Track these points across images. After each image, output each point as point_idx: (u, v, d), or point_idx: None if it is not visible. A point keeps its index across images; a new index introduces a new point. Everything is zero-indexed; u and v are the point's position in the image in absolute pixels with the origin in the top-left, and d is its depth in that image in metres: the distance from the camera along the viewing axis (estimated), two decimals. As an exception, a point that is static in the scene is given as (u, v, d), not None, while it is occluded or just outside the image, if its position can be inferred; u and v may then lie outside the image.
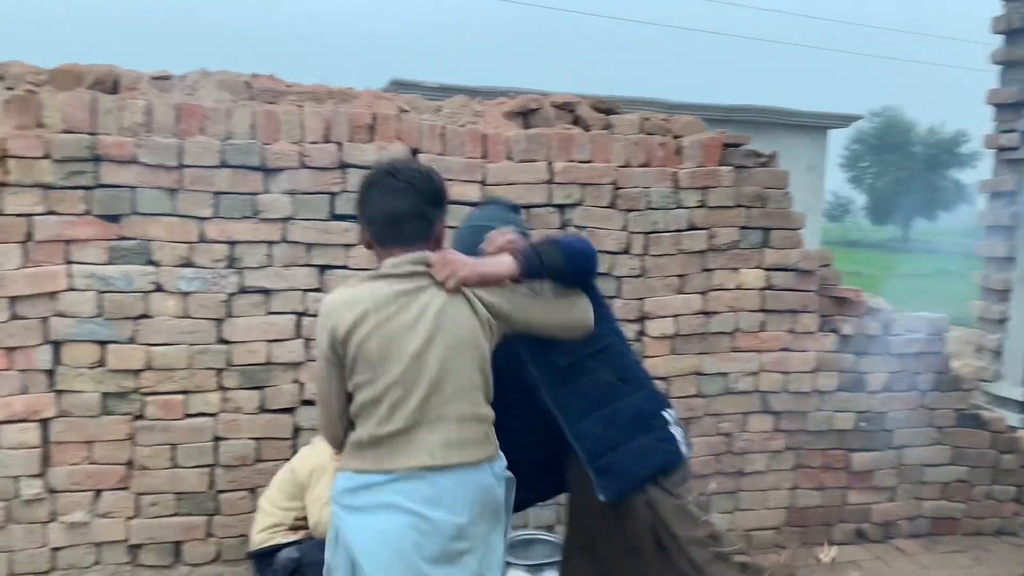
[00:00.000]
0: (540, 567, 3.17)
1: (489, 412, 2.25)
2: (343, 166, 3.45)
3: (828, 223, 47.25)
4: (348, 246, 3.49)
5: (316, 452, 2.99)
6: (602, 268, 3.77)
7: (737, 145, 3.98)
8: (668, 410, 2.55)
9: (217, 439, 3.41)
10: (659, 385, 2.62)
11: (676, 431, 2.51)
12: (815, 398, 4.14)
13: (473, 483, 2.17)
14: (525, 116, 3.84)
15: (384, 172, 2.24)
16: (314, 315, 3.45)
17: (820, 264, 4.13)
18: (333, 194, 3.44)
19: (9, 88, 3.11)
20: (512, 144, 3.69)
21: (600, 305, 2.52)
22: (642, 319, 3.90)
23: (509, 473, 2.32)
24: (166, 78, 3.37)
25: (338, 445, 2.28)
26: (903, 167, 48.29)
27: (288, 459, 3.47)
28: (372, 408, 2.13)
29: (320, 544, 2.44)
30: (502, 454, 2.29)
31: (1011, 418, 5.47)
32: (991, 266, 5.84)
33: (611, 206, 3.80)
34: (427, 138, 3.57)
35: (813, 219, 16.31)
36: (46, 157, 3.09)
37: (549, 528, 3.85)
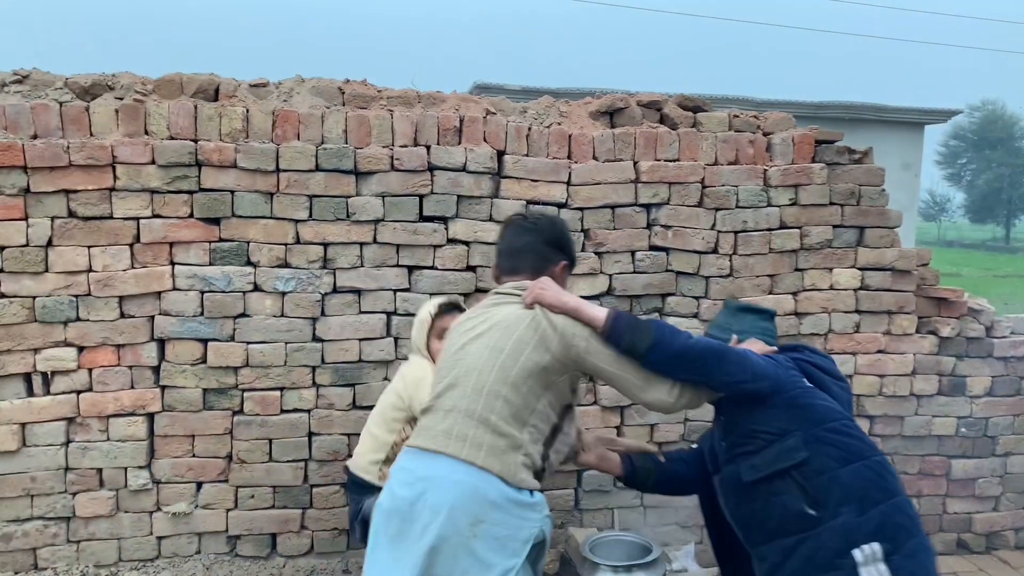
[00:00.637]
0: (629, 568, 3.15)
1: (511, 430, 2.20)
2: (431, 168, 3.51)
3: (923, 222, 45.59)
4: (436, 247, 3.55)
5: (415, 365, 2.99)
6: (691, 269, 3.74)
7: (830, 142, 3.88)
8: (867, 545, 2.15)
9: (311, 434, 3.51)
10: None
11: (867, 572, 2.13)
12: (912, 402, 4.00)
13: (463, 482, 2.14)
14: (611, 116, 3.83)
15: (519, 215, 2.64)
16: (403, 314, 3.54)
17: (918, 264, 3.99)
18: (422, 196, 3.51)
19: (119, 98, 3.27)
20: (598, 144, 3.68)
21: (795, 404, 2.30)
22: (730, 320, 3.83)
23: (532, 524, 2.20)
24: (263, 85, 3.49)
25: None
26: (1005, 163, 46.14)
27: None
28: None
29: None
30: (534, 487, 2.23)
31: None
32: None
33: (699, 205, 3.75)
34: (513, 139, 3.60)
35: (908, 218, 15.94)
36: (152, 163, 3.24)
37: (634, 530, 3.83)
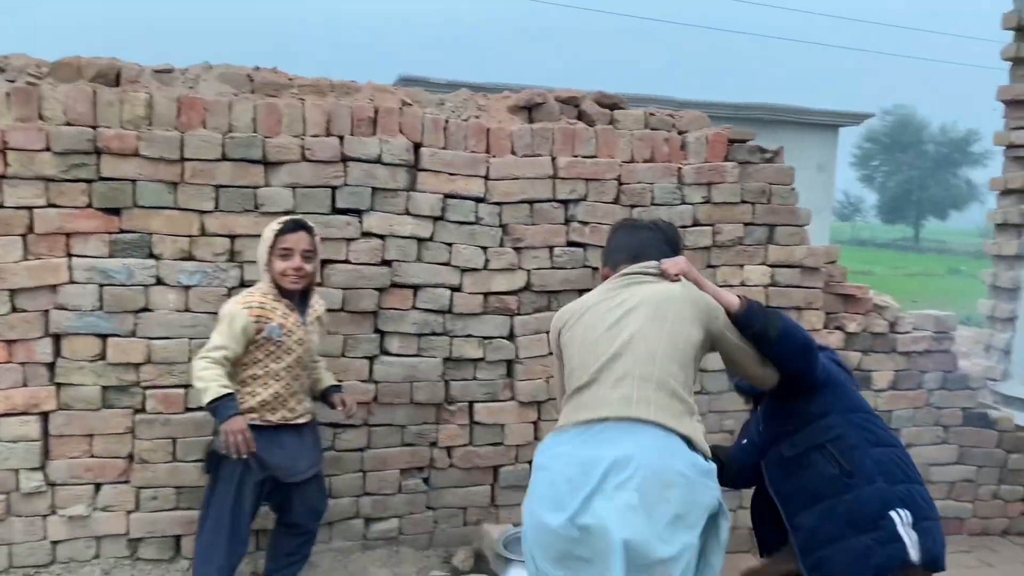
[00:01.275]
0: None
1: (685, 395, 2.23)
2: (344, 159, 3.43)
3: (838, 222, 47.13)
4: (349, 240, 3.47)
5: (244, 293, 3.00)
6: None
7: (742, 141, 3.94)
8: (901, 510, 2.36)
9: (216, 434, 3.39)
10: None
11: (906, 533, 2.33)
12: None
13: (652, 446, 2.10)
14: (529, 111, 3.81)
15: (629, 220, 2.81)
16: (315, 309, 3.46)
17: (826, 261, 4.09)
18: (334, 187, 3.43)
19: (10, 81, 3.10)
20: (516, 138, 3.66)
21: (834, 392, 2.56)
22: (646, 315, 3.87)
23: (713, 491, 2.17)
24: (168, 71, 3.36)
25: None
26: (914, 166, 48.08)
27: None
28: (572, 375, 2.33)
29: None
30: (708, 453, 2.22)
31: (1018, 417, 5.44)
32: (1000, 265, 5.79)
33: (615, 202, 3.77)
34: (430, 132, 3.55)
35: (823, 218, 16.41)
36: (47, 150, 3.08)
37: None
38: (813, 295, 4.04)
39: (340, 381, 3.30)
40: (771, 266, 3.97)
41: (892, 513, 2.35)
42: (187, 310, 3.31)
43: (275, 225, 2.93)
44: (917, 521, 2.37)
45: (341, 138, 3.42)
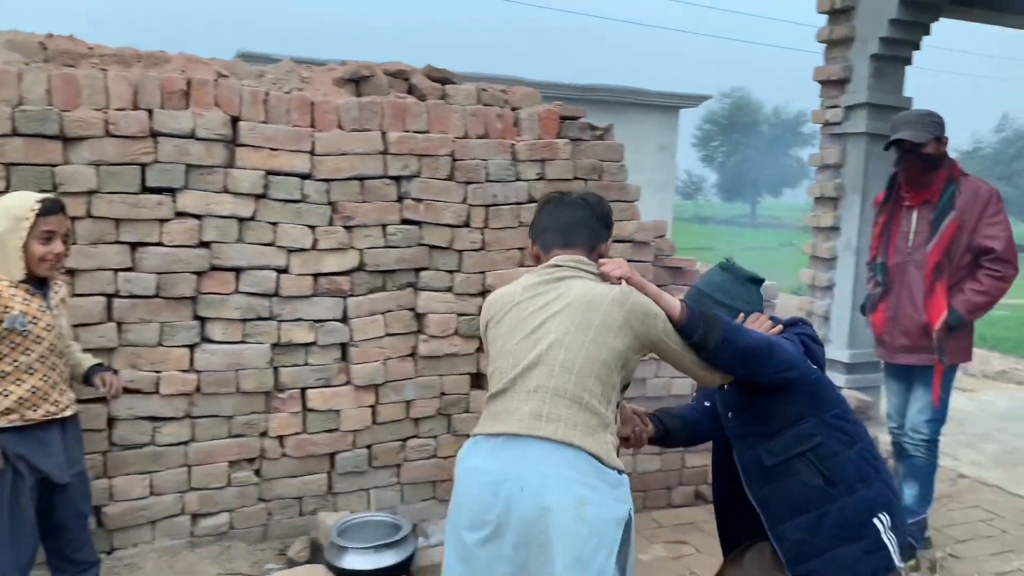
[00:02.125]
0: (377, 548, 3.08)
1: (602, 409, 2.12)
2: (155, 135, 3.19)
3: (682, 200, 49.20)
4: (162, 221, 3.25)
5: None
6: (444, 243, 3.71)
7: (574, 118, 3.97)
8: (882, 515, 2.33)
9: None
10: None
11: (888, 539, 2.30)
12: (652, 365, 4.22)
13: (560, 464, 2.04)
14: (357, 84, 3.68)
15: (556, 193, 2.47)
16: (126, 296, 3.23)
17: (655, 236, 4.19)
18: (143, 165, 3.19)
19: None
20: (343, 112, 3.53)
21: (809, 390, 2.36)
22: (484, 293, 3.84)
23: (624, 504, 2.11)
24: (-57, 35, 3.01)
25: None
26: (751, 146, 50.75)
27: (103, 451, 3.26)
28: (491, 377, 2.25)
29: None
30: (621, 466, 2.15)
31: (837, 379, 5.82)
32: (819, 236, 6.16)
33: (450, 178, 3.71)
34: (248, 105, 3.36)
35: (665, 197, 17.02)
36: None
37: (391, 509, 3.76)
38: (643, 268, 4.12)
39: (102, 362, 2.97)
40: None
41: (875, 520, 2.31)
42: (-24, 301, 2.99)
43: (32, 204, 2.59)
44: (895, 522, 2.37)
45: (150, 112, 3.18)
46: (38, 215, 2.58)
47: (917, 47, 5.75)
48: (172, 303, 3.32)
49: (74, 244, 3.11)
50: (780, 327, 2.45)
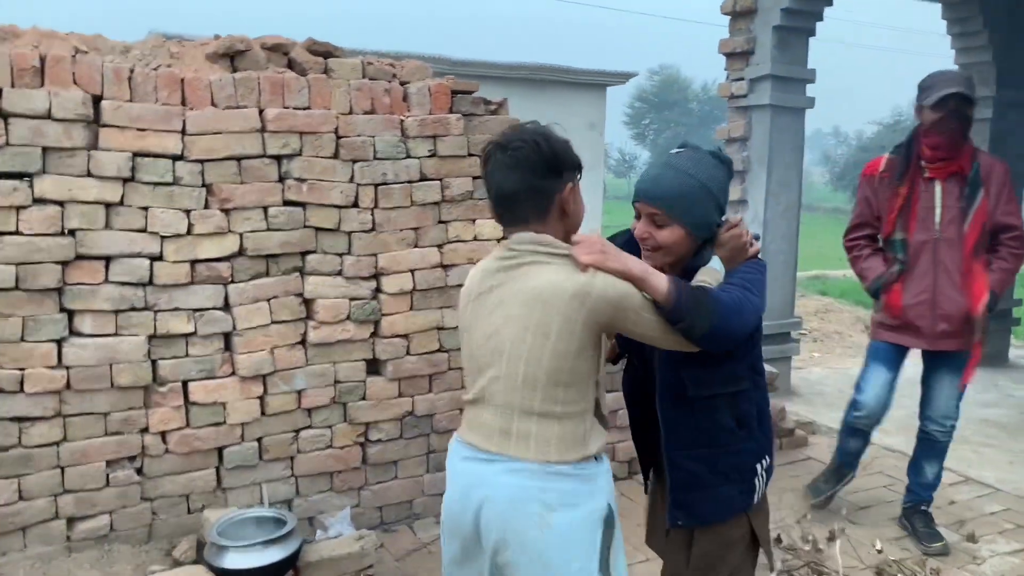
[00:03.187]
0: (264, 544, 2.94)
1: (575, 409, 1.97)
2: (4, 115, 2.97)
3: (615, 178, 49.53)
4: (19, 208, 3.03)
5: None
6: (331, 225, 3.56)
7: (466, 92, 3.85)
8: (764, 459, 2.32)
9: None
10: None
11: (759, 481, 2.30)
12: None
13: (526, 486, 1.94)
14: (232, 59, 3.49)
15: (495, 146, 2.02)
16: (-18, 290, 3.00)
17: (558, 212, 4.11)
18: (-6, 148, 2.96)
19: None
20: (216, 89, 3.34)
21: (752, 340, 2.24)
22: (377, 276, 3.71)
23: (601, 496, 2.01)
24: None
25: None
26: (680, 123, 51.27)
27: None
28: (465, 374, 2.16)
29: None
30: (600, 459, 2.05)
31: (749, 352, 5.85)
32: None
33: (335, 156, 3.56)
34: (111, 83, 3.15)
35: (595, 175, 17.00)
36: None
37: (285, 503, 3.63)
38: (545, 246, 4.04)
39: None
40: (502, 219, 3.93)
41: (757, 465, 2.31)
42: None
43: None
44: (770, 464, 2.37)
45: (0, 91, 2.96)
46: None
47: (820, 18, 5.77)
48: (35, 295, 3.10)
49: (-83, 235, 2.88)
50: (758, 245, 2.28)
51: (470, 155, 3.82)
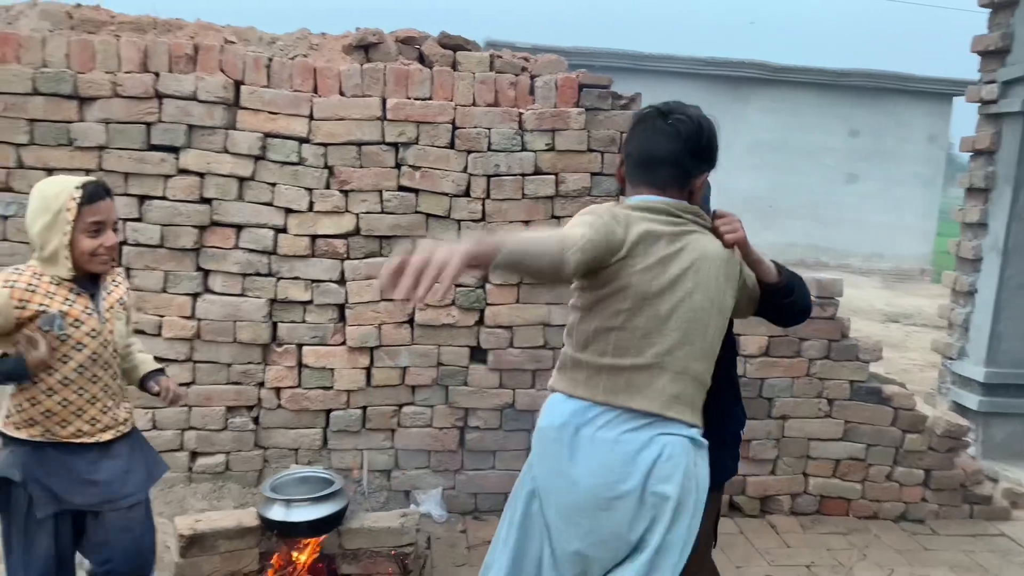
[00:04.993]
0: (313, 500, 3.13)
1: (708, 379, 2.07)
2: (159, 96, 3.46)
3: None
4: (166, 177, 3.51)
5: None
6: (441, 212, 3.69)
7: (596, 86, 3.73)
8: (743, 429, 2.45)
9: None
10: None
11: (739, 453, 2.44)
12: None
13: (688, 444, 1.99)
14: (367, 51, 3.73)
15: (656, 111, 2.07)
16: (133, 244, 3.53)
17: (694, 216, 3.84)
18: (149, 124, 3.47)
19: None
20: (344, 78, 3.60)
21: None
22: (490, 266, 3.75)
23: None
24: (-10, 7, 3.47)
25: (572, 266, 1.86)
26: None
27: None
28: (618, 338, 1.97)
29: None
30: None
31: (968, 399, 5.01)
32: (966, 233, 5.29)
33: (450, 146, 3.65)
34: (251, 70, 3.53)
35: (932, 190, 15.15)
36: None
37: (385, 473, 3.82)
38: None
39: (162, 367, 2.59)
40: (624, 219, 3.77)
41: (740, 432, 2.41)
42: (5, 239, 3.44)
43: (72, 192, 2.19)
44: (742, 435, 2.44)
45: (156, 75, 3.45)
46: (80, 204, 2.18)
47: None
48: (175, 254, 3.58)
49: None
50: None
51: (590, 150, 3.71)
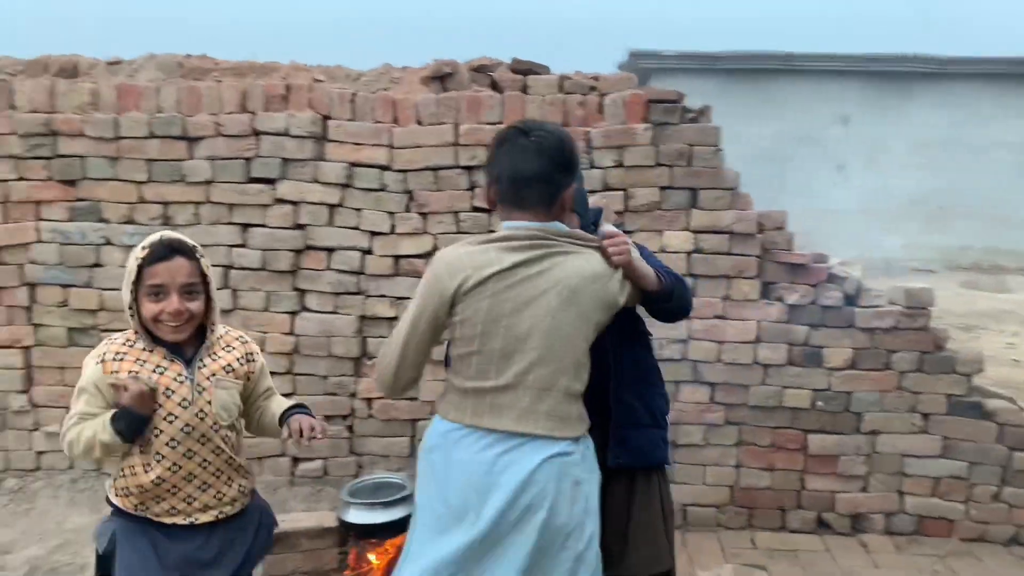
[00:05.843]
0: (375, 505, 3.34)
1: (581, 389, 2.11)
2: (256, 133, 3.82)
3: None
4: (264, 207, 3.87)
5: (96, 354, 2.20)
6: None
7: (665, 101, 3.78)
8: (668, 416, 2.49)
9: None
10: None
11: (668, 436, 2.48)
12: (758, 371, 3.84)
13: (563, 460, 2.02)
14: (442, 80, 3.95)
15: (517, 131, 2.10)
16: (239, 268, 3.91)
17: (772, 227, 3.81)
18: (248, 159, 3.83)
19: (-5, 79, 3.86)
20: (421, 108, 3.83)
21: None
22: (565, 281, 3.87)
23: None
24: (117, 63, 3.96)
25: (391, 391, 2.23)
26: None
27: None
28: (478, 361, 2.03)
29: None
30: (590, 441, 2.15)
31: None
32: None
33: (520, 167, 3.80)
34: (336, 105, 3.84)
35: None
36: (13, 134, 3.79)
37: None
38: (745, 263, 3.78)
39: (301, 403, 2.50)
40: (695, 232, 3.78)
41: (667, 417, 2.46)
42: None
43: (139, 250, 2.12)
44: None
45: (253, 114, 3.82)
46: (141, 265, 2.09)
47: None
48: (275, 275, 3.93)
49: (197, 224, 3.86)
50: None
51: (658, 165, 3.75)
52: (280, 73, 3.97)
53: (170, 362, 2.14)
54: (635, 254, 2.15)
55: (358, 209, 3.88)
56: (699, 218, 3.77)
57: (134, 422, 2.06)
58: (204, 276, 2.18)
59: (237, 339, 2.34)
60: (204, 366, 2.19)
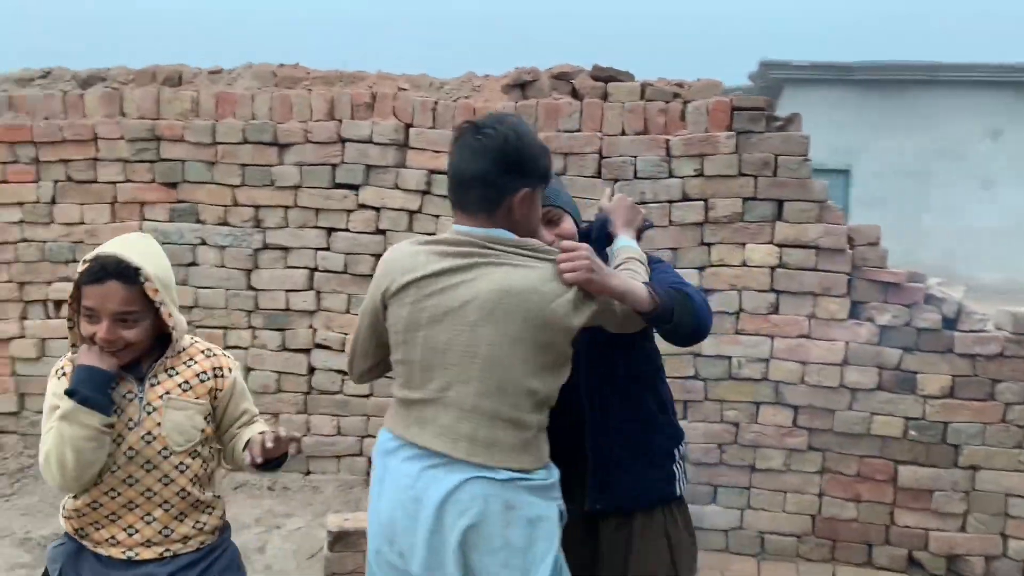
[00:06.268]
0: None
1: (537, 418, 1.89)
2: (342, 140, 3.93)
3: None
4: (348, 212, 3.97)
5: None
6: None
7: (750, 109, 3.64)
8: (681, 445, 2.26)
9: (248, 369, 4.13)
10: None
11: (679, 470, 2.23)
12: (844, 395, 3.63)
13: (491, 495, 1.83)
14: (523, 88, 3.94)
15: (471, 126, 1.91)
16: (323, 270, 4.03)
17: (863, 242, 3.60)
18: (333, 165, 3.95)
19: (107, 87, 4.13)
20: (501, 116, 3.84)
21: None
22: (642, 293, 3.78)
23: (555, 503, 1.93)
24: (217, 72, 4.16)
25: (352, 377, 2.22)
26: None
27: (305, 392, 4.10)
28: (404, 371, 1.92)
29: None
30: (552, 474, 1.94)
31: None
32: None
33: (596, 175, 3.75)
34: (419, 113, 3.90)
35: None
36: (122, 138, 4.05)
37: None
38: (833, 280, 3.58)
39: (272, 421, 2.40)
40: (779, 245, 3.61)
41: (676, 450, 2.22)
42: (222, 266, 4.09)
43: (80, 265, 1.88)
44: (684, 452, 2.28)
45: (339, 121, 3.93)
46: (79, 283, 1.87)
47: None
48: (356, 278, 4.02)
49: (286, 227, 4.01)
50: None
51: (741, 175, 3.61)
52: (367, 82, 4.07)
53: (122, 380, 1.90)
54: (606, 271, 1.86)
55: (436, 216, 3.92)
56: (784, 231, 3.60)
57: (95, 375, 1.82)
58: (150, 300, 1.88)
59: (203, 352, 2.04)
60: (157, 383, 1.93)
